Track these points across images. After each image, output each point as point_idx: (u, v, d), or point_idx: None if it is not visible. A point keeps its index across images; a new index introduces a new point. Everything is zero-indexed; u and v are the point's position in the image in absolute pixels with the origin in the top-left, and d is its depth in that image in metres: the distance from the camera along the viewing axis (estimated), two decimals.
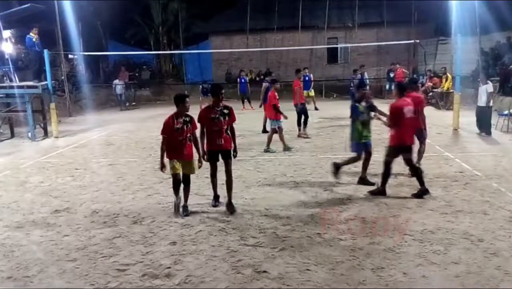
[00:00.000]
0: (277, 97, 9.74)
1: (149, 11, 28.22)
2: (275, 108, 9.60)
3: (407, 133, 6.43)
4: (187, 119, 5.89)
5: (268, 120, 10.21)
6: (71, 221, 5.97)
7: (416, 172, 6.59)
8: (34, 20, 14.88)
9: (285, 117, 9.75)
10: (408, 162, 6.53)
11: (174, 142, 5.84)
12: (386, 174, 6.55)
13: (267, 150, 9.77)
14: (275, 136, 9.82)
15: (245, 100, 18.83)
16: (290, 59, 25.90)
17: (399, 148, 6.45)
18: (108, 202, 6.77)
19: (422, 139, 7.68)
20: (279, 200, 6.53)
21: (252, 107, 17.87)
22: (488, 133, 10.89)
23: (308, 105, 9.88)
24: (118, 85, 20.87)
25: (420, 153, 7.72)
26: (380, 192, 6.57)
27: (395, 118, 6.36)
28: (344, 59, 26.63)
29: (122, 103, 21.10)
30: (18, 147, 11.99)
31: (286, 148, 9.81)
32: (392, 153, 6.53)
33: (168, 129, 5.83)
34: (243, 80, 19.45)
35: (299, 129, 11.57)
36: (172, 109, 6.04)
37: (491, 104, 11.04)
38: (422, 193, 6.46)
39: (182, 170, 5.96)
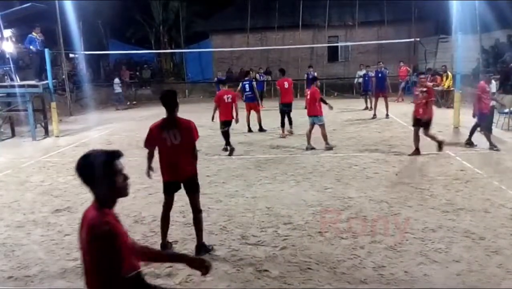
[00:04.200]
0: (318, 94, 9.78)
1: (150, 10, 28.22)
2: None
3: (226, 112, 9.55)
4: None
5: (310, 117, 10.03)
6: (72, 220, 5.95)
7: (226, 139, 9.68)
8: (35, 19, 14.88)
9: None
10: (225, 134, 9.66)
11: None
12: (225, 137, 9.70)
13: (308, 148, 9.79)
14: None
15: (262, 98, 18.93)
16: (290, 57, 25.82)
17: (222, 122, 9.70)
18: None
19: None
20: (280, 199, 6.53)
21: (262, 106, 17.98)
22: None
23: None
24: (117, 84, 20.80)
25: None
26: (231, 150, 9.54)
27: (217, 102, 9.73)
28: (345, 58, 26.56)
29: (119, 103, 20.90)
30: (19, 146, 11.99)
31: (310, 147, 9.80)
32: (221, 125, 9.77)
33: None
34: (262, 78, 19.55)
35: (283, 130, 11.56)
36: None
37: (493, 103, 10.99)
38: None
39: None
